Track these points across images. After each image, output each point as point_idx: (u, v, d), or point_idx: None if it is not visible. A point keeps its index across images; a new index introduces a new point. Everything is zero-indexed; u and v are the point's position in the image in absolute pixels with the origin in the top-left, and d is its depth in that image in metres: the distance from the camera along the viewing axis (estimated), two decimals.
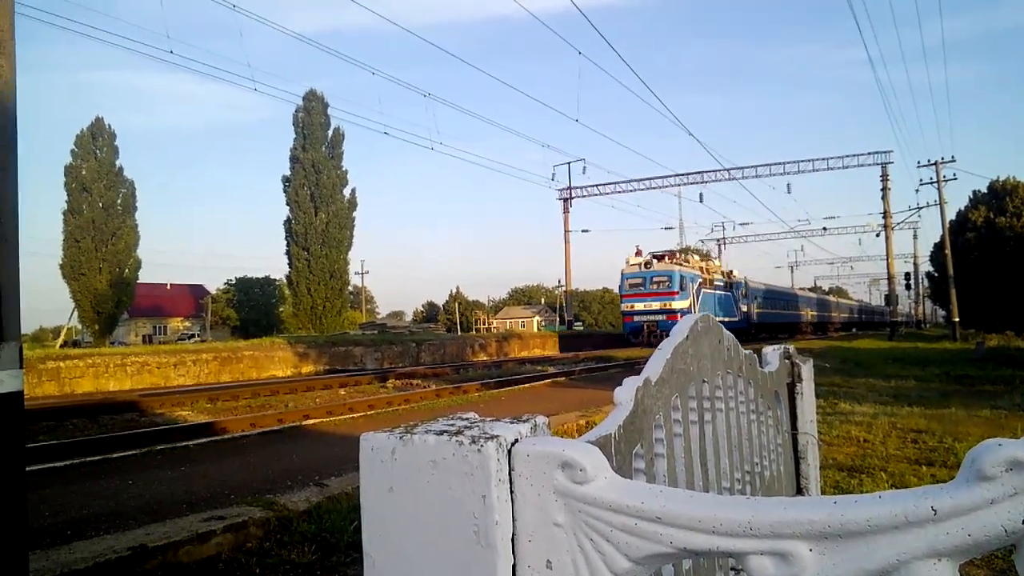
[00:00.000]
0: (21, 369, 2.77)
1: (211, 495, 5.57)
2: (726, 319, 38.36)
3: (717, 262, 46.52)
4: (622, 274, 37.52)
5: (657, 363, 1.67)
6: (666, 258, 37.50)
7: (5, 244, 2.71)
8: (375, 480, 0.98)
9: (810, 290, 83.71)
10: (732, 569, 1.89)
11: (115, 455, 7.40)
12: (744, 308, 44.15)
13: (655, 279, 36.09)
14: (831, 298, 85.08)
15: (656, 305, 35.59)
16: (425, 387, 15.77)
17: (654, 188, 44.76)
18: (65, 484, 6.06)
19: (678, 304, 34.98)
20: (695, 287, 36.83)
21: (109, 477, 6.38)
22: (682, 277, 36.01)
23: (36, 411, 11.10)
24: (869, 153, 40.30)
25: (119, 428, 10.30)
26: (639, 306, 36.28)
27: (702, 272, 39.05)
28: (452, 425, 1.01)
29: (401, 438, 0.96)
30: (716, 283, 40.50)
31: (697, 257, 42.06)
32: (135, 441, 8.56)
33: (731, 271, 46.44)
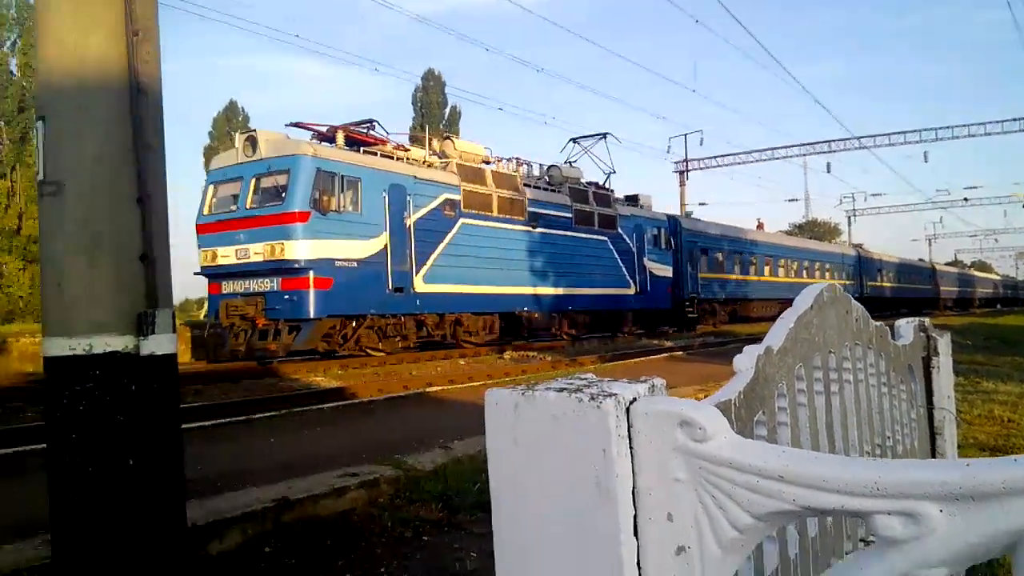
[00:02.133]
0: (175, 333, 3.03)
1: (343, 454, 5.89)
2: (581, 291, 20.59)
3: (583, 158, 24.06)
4: (207, 175, 15.87)
5: (779, 333, 1.63)
6: (333, 137, 15.68)
7: (155, 217, 2.95)
8: (500, 433, 1.02)
9: (919, 260, 73.85)
10: (861, 540, 1.84)
11: (256, 416, 7.94)
12: (658, 271, 23.55)
13: (264, 181, 14.38)
14: (971, 272, 78.54)
15: (256, 250, 13.97)
16: (541, 359, 15.95)
17: (777, 159, 42.59)
18: (213, 443, 6.56)
19: (308, 249, 13.72)
20: (409, 206, 15.55)
21: (251, 436, 6.87)
22: (323, 173, 14.02)
23: (184, 375, 12.05)
24: (1014, 119, 36.72)
25: (260, 392, 11.03)
26: (224, 254, 14.50)
27: (466, 177, 17.29)
28: (571, 384, 1.04)
29: (523, 394, 1.01)
30: (546, 203, 19.37)
31: (488, 150, 19.18)
32: (274, 404, 9.16)
33: (636, 196, 24.13)
